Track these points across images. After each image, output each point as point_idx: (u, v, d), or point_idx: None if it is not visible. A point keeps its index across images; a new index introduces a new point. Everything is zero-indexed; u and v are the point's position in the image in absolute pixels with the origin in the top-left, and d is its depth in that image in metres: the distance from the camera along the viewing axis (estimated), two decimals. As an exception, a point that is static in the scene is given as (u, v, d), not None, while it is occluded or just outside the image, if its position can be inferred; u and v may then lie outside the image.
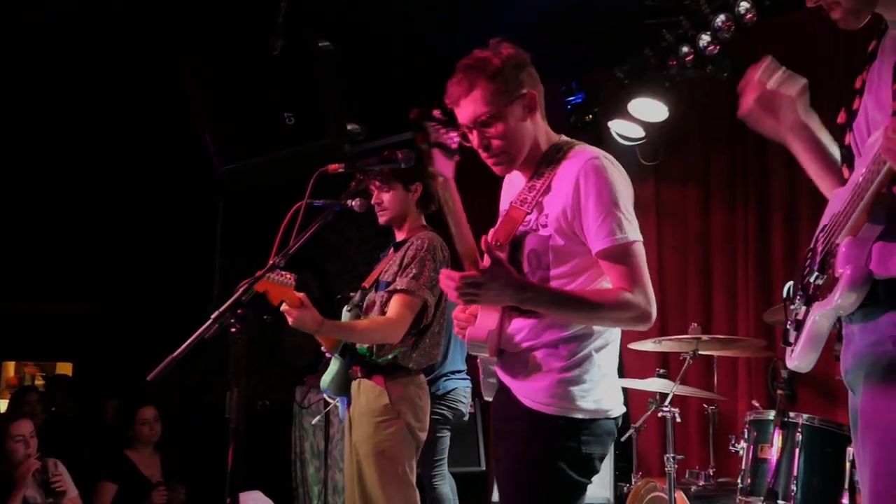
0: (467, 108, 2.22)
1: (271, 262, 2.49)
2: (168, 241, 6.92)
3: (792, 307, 1.77)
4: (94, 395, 6.73)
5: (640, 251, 2.15)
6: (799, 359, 1.72)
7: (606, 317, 2.14)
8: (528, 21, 5.01)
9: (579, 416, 2.13)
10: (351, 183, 2.74)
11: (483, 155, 2.27)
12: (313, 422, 3.61)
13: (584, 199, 2.12)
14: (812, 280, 1.68)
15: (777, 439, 3.34)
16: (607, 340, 2.22)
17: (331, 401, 3.77)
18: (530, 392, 2.18)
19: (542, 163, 2.25)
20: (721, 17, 4.16)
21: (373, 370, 3.21)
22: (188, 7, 4.67)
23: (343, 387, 3.28)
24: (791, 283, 1.83)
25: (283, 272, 2.93)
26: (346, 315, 3.37)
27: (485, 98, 2.19)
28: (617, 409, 2.22)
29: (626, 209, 2.13)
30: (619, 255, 2.11)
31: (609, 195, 2.11)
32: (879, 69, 1.66)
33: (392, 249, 3.44)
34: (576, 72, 5.37)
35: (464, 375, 4.35)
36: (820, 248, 1.71)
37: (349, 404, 3.29)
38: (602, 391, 2.17)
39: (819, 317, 1.64)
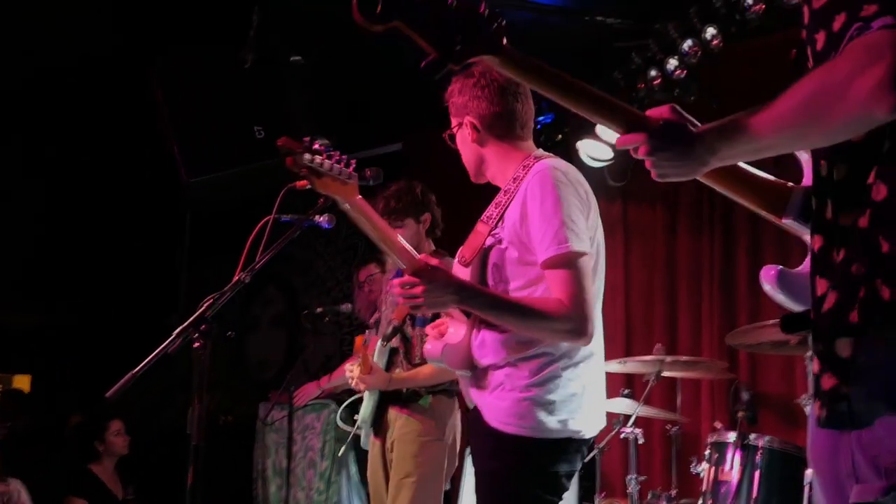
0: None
1: (237, 278, 2.46)
2: (133, 251, 6.84)
3: None
4: (54, 410, 6.61)
5: (582, 263, 2.10)
6: None
7: (542, 326, 2.11)
8: (498, 40, 5.06)
9: (542, 435, 2.11)
10: (319, 199, 2.73)
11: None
12: (363, 443, 3.72)
13: (530, 210, 2.15)
14: None
15: (737, 461, 3.37)
16: (581, 358, 2.17)
17: (348, 428, 3.89)
18: (493, 411, 2.18)
19: (512, 178, 2.29)
20: (688, 43, 4.23)
21: (416, 397, 3.34)
22: (159, 19, 4.65)
23: (377, 416, 3.40)
24: None
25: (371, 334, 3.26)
26: (379, 349, 3.41)
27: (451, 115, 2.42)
28: (588, 429, 2.19)
29: (569, 219, 2.10)
30: (559, 265, 2.09)
31: (551, 205, 2.11)
32: None
33: None
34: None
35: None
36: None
37: (377, 434, 3.41)
38: (570, 411, 2.14)
39: None
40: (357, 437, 3.95)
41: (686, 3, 4.23)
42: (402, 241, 2.33)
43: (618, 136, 1.42)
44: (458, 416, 3.39)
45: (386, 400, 3.37)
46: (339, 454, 4.80)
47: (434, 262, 2.16)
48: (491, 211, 2.29)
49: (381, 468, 3.36)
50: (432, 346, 2.30)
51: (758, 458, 3.33)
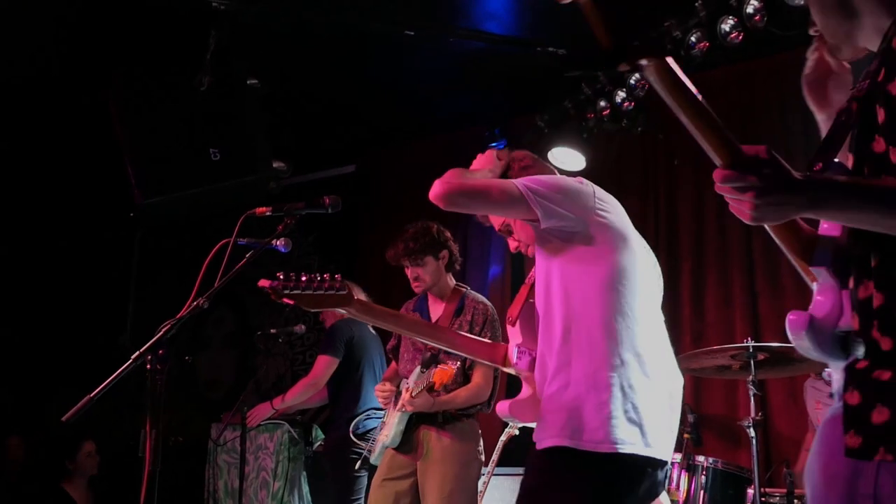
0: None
1: (197, 302, 2.49)
2: (81, 270, 6.75)
3: None
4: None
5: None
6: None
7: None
8: (453, 65, 5.17)
9: (588, 448, 2.05)
10: (278, 226, 2.77)
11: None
12: (373, 459, 3.79)
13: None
14: None
15: (683, 481, 3.48)
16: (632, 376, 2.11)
17: (360, 443, 4.11)
18: (541, 432, 2.16)
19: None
20: (636, 76, 4.38)
21: (450, 419, 3.60)
22: (116, 40, 4.65)
23: (405, 438, 3.62)
24: None
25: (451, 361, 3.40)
26: (418, 373, 3.61)
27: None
28: (639, 446, 2.06)
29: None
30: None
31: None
32: None
33: (453, 314, 3.70)
34: (499, 117, 5.53)
35: (382, 414, 4.39)
36: None
37: (401, 450, 3.62)
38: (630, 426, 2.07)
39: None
40: (309, 458, 3.99)
41: (632, 37, 4.37)
42: None
43: (719, 168, 1.34)
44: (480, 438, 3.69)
45: (419, 421, 3.60)
46: (292, 472, 4.83)
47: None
48: (533, 272, 2.41)
49: (405, 478, 3.59)
50: (501, 405, 2.40)
51: (703, 477, 3.45)
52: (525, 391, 2.39)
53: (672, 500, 3.52)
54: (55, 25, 4.61)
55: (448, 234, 3.80)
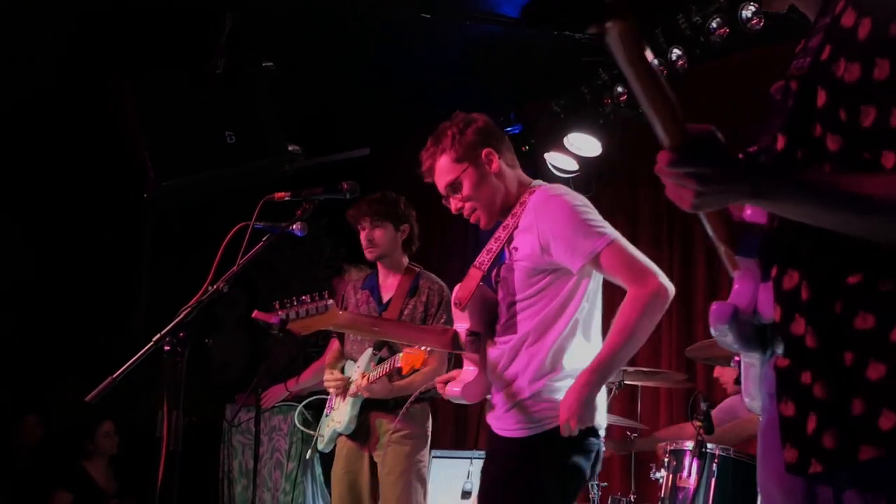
0: (439, 180, 2.48)
1: (216, 287, 2.50)
2: (92, 250, 6.78)
3: None
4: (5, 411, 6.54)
5: (619, 246, 2.28)
6: (748, 400, 1.61)
7: (636, 333, 2.27)
8: (467, 50, 5.15)
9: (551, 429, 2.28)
10: (297, 211, 2.78)
11: (465, 216, 2.49)
12: (322, 447, 3.79)
13: (546, 228, 2.30)
14: None
15: (694, 469, 3.48)
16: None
17: (307, 431, 4.07)
18: (505, 422, 2.37)
19: (511, 214, 2.44)
20: (654, 62, 4.35)
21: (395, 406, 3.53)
22: (129, 23, 4.65)
23: (359, 422, 3.57)
24: None
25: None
26: (370, 355, 3.57)
27: (447, 168, 2.44)
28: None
29: (587, 217, 2.30)
30: (603, 262, 2.26)
31: (566, 216, 2.30)
32: None
33: (406, 294, 3.61)
34: (514, 103, 5.52)
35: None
36: None
37: (353, 437, 3.58)
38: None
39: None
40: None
41: (652, 23, 4.35)
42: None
43: (665, 150, 1.28)
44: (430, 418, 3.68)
45: (369, 407, 3.54)
46: (307, 456, 4.84)
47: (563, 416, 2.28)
48: (483, 257, 2.45)
49: (362, 468, 3.56)
50: (451, 389, 2.48)
51: (714, 465, 3.45)
52: (471, 373, 2.46)
53: (683, 488, 3.53)
54: (68, 11, 4.60)
55: (413, 214, 3.69)
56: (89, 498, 5.06)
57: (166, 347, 2.41)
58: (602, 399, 2.37)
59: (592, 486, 3.81)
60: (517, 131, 5.34)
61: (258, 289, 6.90)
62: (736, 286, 1.44)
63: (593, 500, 3.79)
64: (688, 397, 4.38)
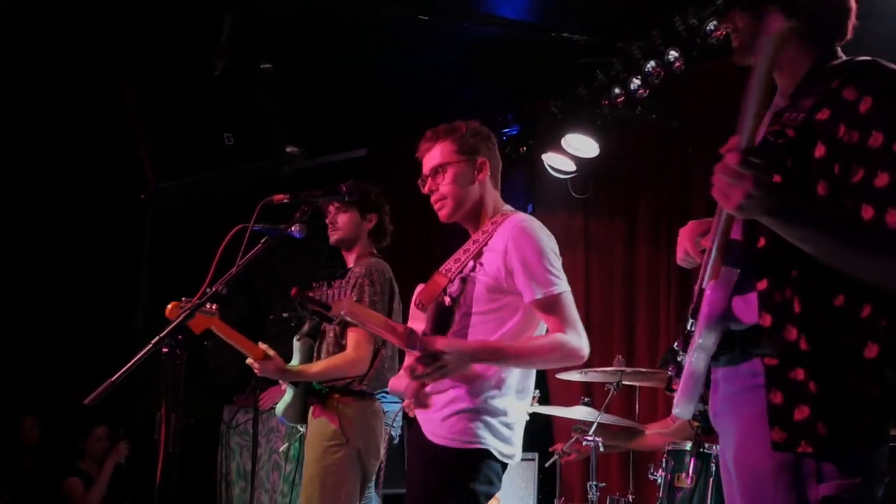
0: (428, 161, 2.57)
1: (214, 289, 2.50)
2: (92, 251, 6.78)
3: (679, 359, 1.82)
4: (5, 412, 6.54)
5: (568, 299, 2.42)
6: (681, 404, 1.77)
7: (549, 362, 2.43)
8: (466, 52, 5.16)
9: (476, 446, 2.37)
10: (295, 213, 2.78)
11: (432, 200, 2.58)
12: (280, 449, 3.70)
13: (515, 258, 2.41)
14: (689, 327, 1.77)
15: (692, 469, 3.49)
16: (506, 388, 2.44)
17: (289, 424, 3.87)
18: (433, 426, 2.43)
19: (482, 231, 2.53)
20: (651, 63, 4.37)
21: (327, 397, 3.30)
22: (130, 24, 4.65)
23: (300, 415, 3.37)
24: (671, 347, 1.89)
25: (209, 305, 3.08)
26: (296, 344, 3.45)
27: (442, 153, 2.55)
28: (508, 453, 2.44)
29: (550, 264, 2.41)
30: (549, 305, 2.39)
31: (538, 254, 2.40)
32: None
33: (338, 279, 3.53)
34: (512, 104, 5.53)
35: (394, 398, 4.42)
36: (694, 301, 1.78)
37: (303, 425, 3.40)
38: (503, 436, 2.42)
39: (694, 357, 1.70)
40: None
41: (650, 24, 4.37)
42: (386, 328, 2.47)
43: (737, 149, 1.48)
44: (372, 419, 3.34)
45: (308, 397, 3.34)
46: (281, 449, 4.80)
47: (439, 343, 2.36)
48: (450, 265, 2.53)
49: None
50: (396, 381, 2.56)
51: (712, 466, 3.46)
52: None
53: (681, 488, 3.54)
54: (69, 11, 4.61)
55: (385, 207, 3.56)
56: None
57: (165, 350, 2.41)
58: (517, 431, 2.48)
59: (591, 486, 3.82)
60: (515, 132, 5.35)
61: (256, 290, 6.90)
62: (709, 293, 1.66)
63: (591, 501, 3.80)
64: (686, 398, 4.39)
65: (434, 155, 2.57)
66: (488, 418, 2.39)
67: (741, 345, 1.64)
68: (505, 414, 2.42)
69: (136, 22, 4.62)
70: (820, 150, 1.56)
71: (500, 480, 2.45)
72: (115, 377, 2.31)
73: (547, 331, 2.44)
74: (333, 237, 3.52)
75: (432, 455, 2.40)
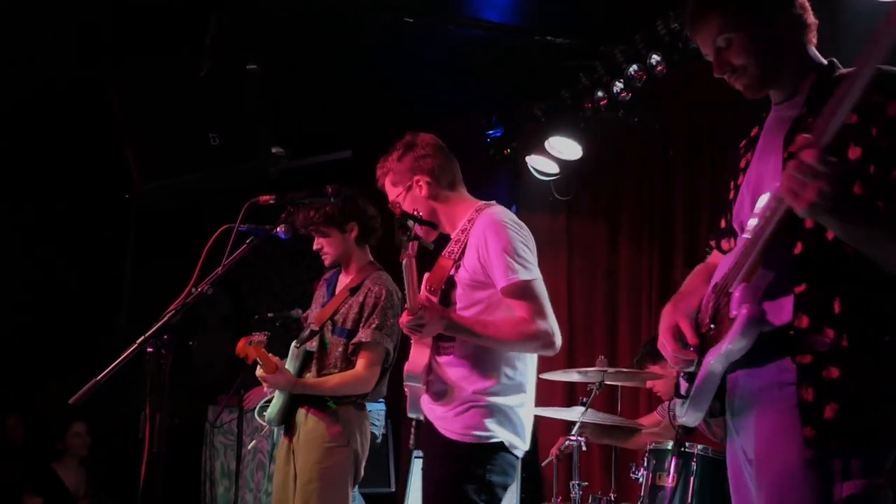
0: (389, 193, 2.77)
1: (200, 289, 2.52)
2: (77, 251, 6.75)
3: (690, 370, 1.82)
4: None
5: (537, 287, 2.51)
6: (690, 412, 1.81)
7: (516, 343, 2.50)
8: (451, 54, 5.19)
9: (489, 441, 2.45)
10: (281, 213, 2.80)
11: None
12: (249, 446, 3.67)
13: (485, 251, 2.52)
14: (706, 332, 1.77)
15: (674, 468, 3.53)
16: (520, 382, 2.53)
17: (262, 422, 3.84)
18: (446, 423, 2.49)
19: (461, 229, 2.65)
20: (634, 67, 4.41)
21: (323, 402, 3.33)
22: (115, 25, 4.65)
23: (285, 418, 3.37)
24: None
25: (258, 333, 3.25)
26: (294, 351, 3.43)
27: (390, 188, 2.79)
28: (520, 446, 2.53)
29: (518, 254, 2.49)
30: (515, 292, 2.48)
31: (504, 243, 2.49)
32: (766, 144, 1.82)
33: (346, 291, 3.47)
34: (496, 106, 5.56)
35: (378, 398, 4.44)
36: (712, 304, 1.79)
37: (287, 433, 3.38)
38: (514, 429, 2.50)
39: (713, 361, 1.71)
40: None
41: (632, 28, 4.41)
42: (415, 282, 2.52)
43: (816, 146, 1.46)
44: (366, 421, 3.39)
45: (296, 400, 3.35)
46: (248, 447, 4.80)
47: (424, 300, 2.49)
48: (452, 247, 2.65)
49: (288, 467, 3.34)
50: (411, 365, 2.59)
51: (693, 465, 3.50)
52: (424, 354, 2.58)
53: (662, 487, 3.58)
54: (54, 12, 4.59)
55: (361, 205, 3.47)
56: (59, 501, 5.00)
57: (149, 349, 2.42)
58: (527, 425, 2.56)
59: (573, 485, 3.86)
60: (499, 134, 5.38)
61: (241, 290, 6.90)
62: (738, 295, 1.66)
63: (574, 500, 3.84)
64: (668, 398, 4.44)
65: (388, 191, 2.76)
66: (500, 413, 2.47)
67: (768, 346, 1.65)
68: (515, 408, 2.50)
69: (121, 22, 4.62)
70: (855, 152, 1.61)
71: (515, 471, 2.54)
72: (99, 377, 2.32)
73: None
74: (327, 262, 3.54)
75: (447, 450, 2.47)
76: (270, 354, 3.30)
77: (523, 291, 2.47)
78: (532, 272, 2.50)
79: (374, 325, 3.29)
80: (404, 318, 2.50)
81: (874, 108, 1.60)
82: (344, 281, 3.54)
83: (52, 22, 4.66)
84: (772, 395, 1.67)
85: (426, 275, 2.63)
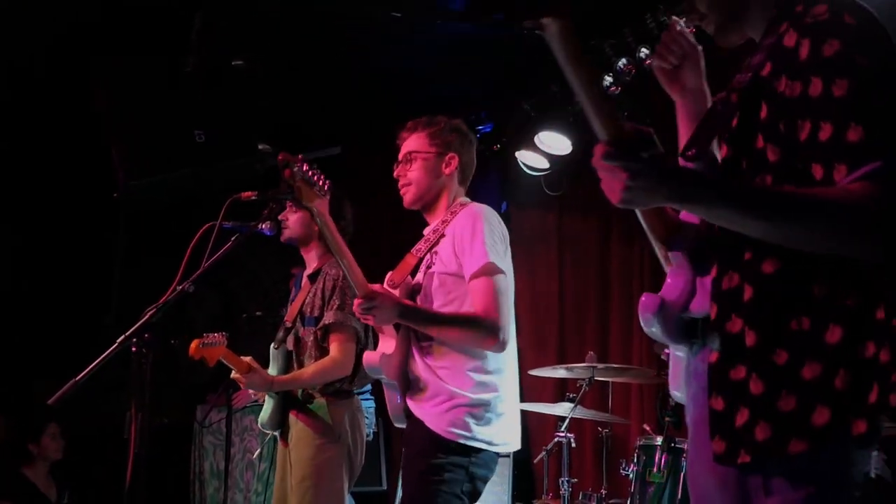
0: (403, 148, 2.70)
1: (182, 287, 2.49)
2: (64, 250, 6.71)
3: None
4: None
5: (498, 278, 2.46)
6: (673, 388, 1.70)
7: (457, 335, 2.48)
8: (440, 49, 5.16)
9: (471, 443, 2.45)
10: (263, 210, 2.78)
11: (399, 185, 2.70)
12: (253, 457, 3.64)
13: (461, 240, 2.51)
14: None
15: (663, 464, 3.52)
16: (503, 381, 2.53)
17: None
18: (429, 419, 2.49)
19: (441, 221, 2.64)
20: (623, 61, 4.38)
21: (311, 400, 3.32)
22: (101, 21, 4.60)
23: (279, 422, 3.36)
24: None
25: (211, 335, 3.19)
26: (273, 353, 3.42)
27: (416, 142, 2.68)
28: (508, 445, 2.55)
29: (490, 245, 2.48)
30: (478, 275, 2.46)
31: (477, 234, 2.49)
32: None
33: (308, 281, 3.48)
34: (485, 101, 5.53)
35: (368, 395, 4.41)
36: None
37: (282, 436, 3.37)
38: (497, 427, 2.50)
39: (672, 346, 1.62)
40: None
41: (621, 22, 4.38)
42: (355, 265, 2.55)
43: (602, 143, 1.37)
44: (358, 415, 3.38)
45: (287, 404, 3.34)
46: (254, 456, 4.78)
47: (377, 287, 2.51)
48: (420, 245, 2.65)
49: (286, 472, 3.33)
50: (371, 355, 2.60)
51: (682, 460, 3.49)
52: (390, 345, 2.59)
53: (653, 483, 3.56)
54: (38, 8, 4.55)
55: (343, 209, 3.46)
56: (31, 504, 4.93)
57: (133, 349, 2.40)
58: (510, 417, 2.55)
59: (563, 482, 3.84)
60: (489, 129, 5.36)
61: (229, 287, 6.86)
62: (668, 280, 1.54)
63: (564, 496, 3.82)
64: (658, 393, 4.42)
65: (409, 143, 2.70)
66: (481, 411, 2.47)
67: (702, 336, 1.49)
68: (496, 406, 2.50)
69: (106, 19, 4.57)
70: (763, 111, 1.39)
71: (496, 465, 2.54)
72: (79, 377, 2.30)
73: None
74: (283, 235, 3.49)
75: (430, 444, 2.46)
76: (246, 357, 3.26)
77: (481, 285, 2.45)
78: (495, 268, 2.48)
79: (335, 306, 3.30)
80: (356, 302, 2.49)
81: (786, 53, 1.38)
82: (307, 270, 3.55)
83: (35, 19, 4.61)
84: (699, 400, 1.51)
85: (389, 273, 2.62)
